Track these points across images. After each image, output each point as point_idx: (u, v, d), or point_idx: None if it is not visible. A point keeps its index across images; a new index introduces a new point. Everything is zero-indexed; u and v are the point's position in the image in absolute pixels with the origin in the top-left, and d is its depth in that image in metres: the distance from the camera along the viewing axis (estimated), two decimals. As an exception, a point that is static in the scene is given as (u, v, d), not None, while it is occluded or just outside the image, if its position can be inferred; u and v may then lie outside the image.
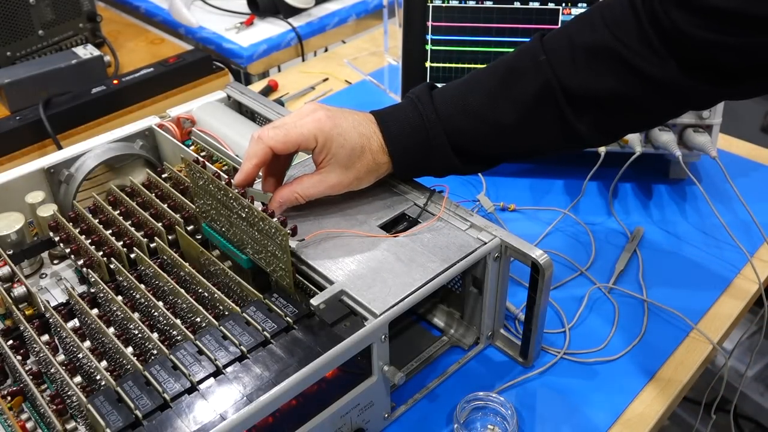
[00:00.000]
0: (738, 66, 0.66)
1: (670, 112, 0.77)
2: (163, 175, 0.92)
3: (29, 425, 0.68)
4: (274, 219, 0.69)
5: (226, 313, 0.71)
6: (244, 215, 0.72)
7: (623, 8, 0.70)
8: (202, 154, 0.95)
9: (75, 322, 0.76)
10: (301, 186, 0.76)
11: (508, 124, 0.75)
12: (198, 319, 0.71)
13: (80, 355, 0.69)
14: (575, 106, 0.73)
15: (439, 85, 0.79)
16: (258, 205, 0.71)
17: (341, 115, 0.76)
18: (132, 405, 0.60)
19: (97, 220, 0.85)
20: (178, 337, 0.70)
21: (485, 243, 0.74)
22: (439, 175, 0.81)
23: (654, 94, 0.71)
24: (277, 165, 0.77)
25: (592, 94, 0.72)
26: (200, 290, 0.75)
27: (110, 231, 0.84)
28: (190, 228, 0.84)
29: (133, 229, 0.83)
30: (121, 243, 0.82)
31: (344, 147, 0.74)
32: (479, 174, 1.09)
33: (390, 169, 0.79)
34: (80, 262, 0.83)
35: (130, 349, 0.70)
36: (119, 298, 0.75)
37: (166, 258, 0.80)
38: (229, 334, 0.66)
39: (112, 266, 0.79)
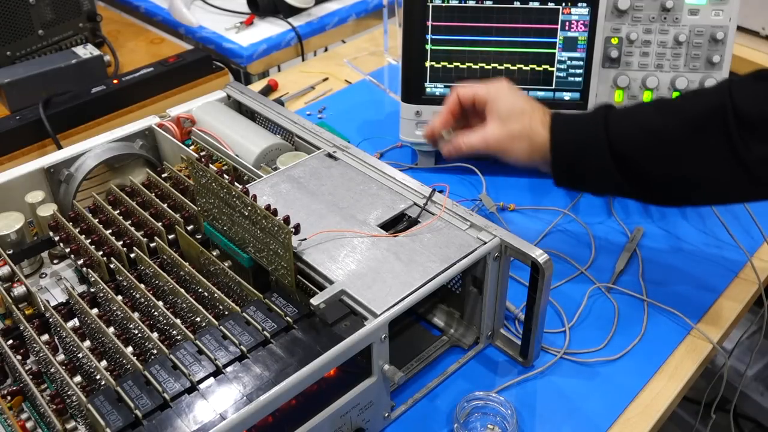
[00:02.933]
0: None
1: None
2: (163, 175, 0.92)
3: (29, 425, 0.67)
4: (277, 217, 0.69)
5: (226, 312, 0.71)
6: (246, 213, 0.73)
7: None
8: (202, 153, 0.95)
9: (75, 322, 0.76)
10: (465, 136, 0.85)
11: (669, 135, 0.74)
12: (198, 319, 0.71)
13: (80, 355, 0.69)
14: (745, 130, 0.69)
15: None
16: (262, 203, 0.71)
17: (518, 90, 0.85)
18: (132, 405, 0.60)
19: (97, 220, 0.85)
20: (178, 337, 0.70)
21: (485, 243, 0.74)
22: (597, 185, 0.81)
23: None
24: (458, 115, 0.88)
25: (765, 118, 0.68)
26: (200, 290, 0.75)
27: (110, 231, 0.84)
28: (190, 228, 0.84)
29: (132, 228, 0.83)
30: (121, 243, 0.82)
31: (506, 102, 0.83)
32: (479, 173, 1.09)
33: (546, 148, 0.80)
34: (80, 262, 0.83)
35: (130, 349, 0.70)
36: (119, 297, 0.75)
37: (166, 258, 0.80)
38: (229, 334, 0.66)
39: (112, 266, 0.79)
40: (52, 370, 0.69)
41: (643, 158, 0.76)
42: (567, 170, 0.81)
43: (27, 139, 1.18)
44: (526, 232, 0.99)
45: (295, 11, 1.65)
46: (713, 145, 0.71)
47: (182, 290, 0.73)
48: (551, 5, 1.00)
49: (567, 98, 1.04)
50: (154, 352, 0.69)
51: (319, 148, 0.91)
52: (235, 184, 0.74)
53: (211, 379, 0.62)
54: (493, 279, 0.76)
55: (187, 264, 0.77)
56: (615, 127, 0.77)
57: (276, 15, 1.63)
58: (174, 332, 0.71)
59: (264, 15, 1.64)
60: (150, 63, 1.34)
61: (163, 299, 0.76)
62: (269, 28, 1.61)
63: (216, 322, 0.68)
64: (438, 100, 1.06)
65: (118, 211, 0.86)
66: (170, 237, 0.83)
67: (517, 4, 1.01)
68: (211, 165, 0.79)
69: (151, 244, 0.82)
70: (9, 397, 0.70)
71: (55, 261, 0.89)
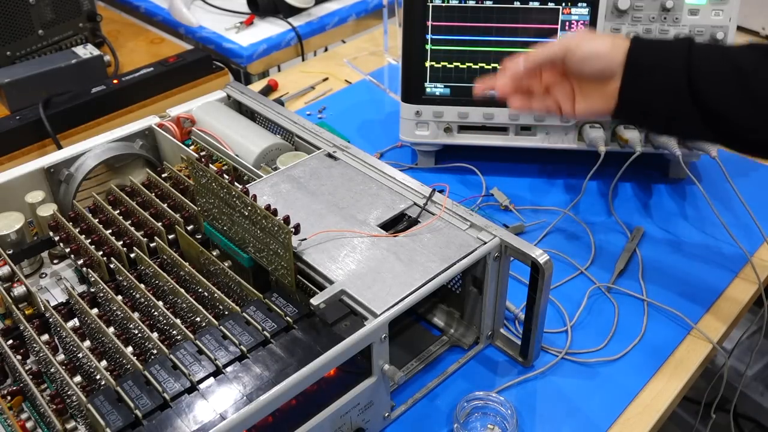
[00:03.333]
0: None
1: None
2: (163, 175, 0.92)
3: (29, 425, 0.68)
4: (277, 217, 0.69)
5: (226, 312, 0.71)
6: (246, 213, 0.73)
7: None
8: (202, 153, 0.95)
9: (75, 322, 0.76)
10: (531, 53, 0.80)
11: (749, 72, 0.69)
12: (198, 319, 0.71)
13: (80, 355, 0.69)
14: None
15: None
16: (262, 203, 0.71)
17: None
18: (132, 405, 0.60)
19: (97, 220, 0.85)
20: (178, 337, 0.70)
21: (485, 243, 0.74)
22: (666, 115, 0.74)
23: None
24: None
25: None
26: (200, 290, 0.75)
27: (110, 231, 0.84)
28: (189, 228, 0.84)
29: (132, 228, 0.83)
30: (121, 243, 0.82)
31: (585, 35, 0.78)
32: (479, 173, 1.09)
33: (623, 49, 0.74)
34: (80, 262, 0.83)
35: (130, 349, 0.70)
36: (119, 297, 0.75)
37: (166, 258, 0.80)
38: (229, 334, 0.66)
39: (112, 266, 0.79)
40: (52, 370, 0.69)
41: (724, 94, 0.71)
42: (636, 92, 0.75)
43: (27, 139, 1.18)
44: (526, 232, 0.99)
45: (295, 11, 1.65)
46: None
47: (182, 290, 0.73)
48: (551, 5, 1.00)
49: (567, 98, 1.04)
50: (154, 352, 0.69)
51: (319, 148, 0.91)
52: (235, 184, 0.74)
53: (211, 379, 0.62)
54: (493, 279, 0.76)
55: (187, 264, 0.77)
56: (698, 52, 0.72)
57: (276, 15, 1.63)
58: (174, 332, 0.71)
59: (264, 15, 1.64)
60: (150, 63, 1.34)
61: (163, 299, 0.76)
62: (269, 28, 1.61)
63: (216, 322, 0.68)
64: (438, 100, 1.06)
65: (118, 211, 0.86)
66: (170, 237, 0.83)
67: (517, 4, 1.01)
68: (211, 165, 0.79)
69: (151, 244, 0.82)
70: (9, 397, 0.70)
71: (55, 261, 0.89)
